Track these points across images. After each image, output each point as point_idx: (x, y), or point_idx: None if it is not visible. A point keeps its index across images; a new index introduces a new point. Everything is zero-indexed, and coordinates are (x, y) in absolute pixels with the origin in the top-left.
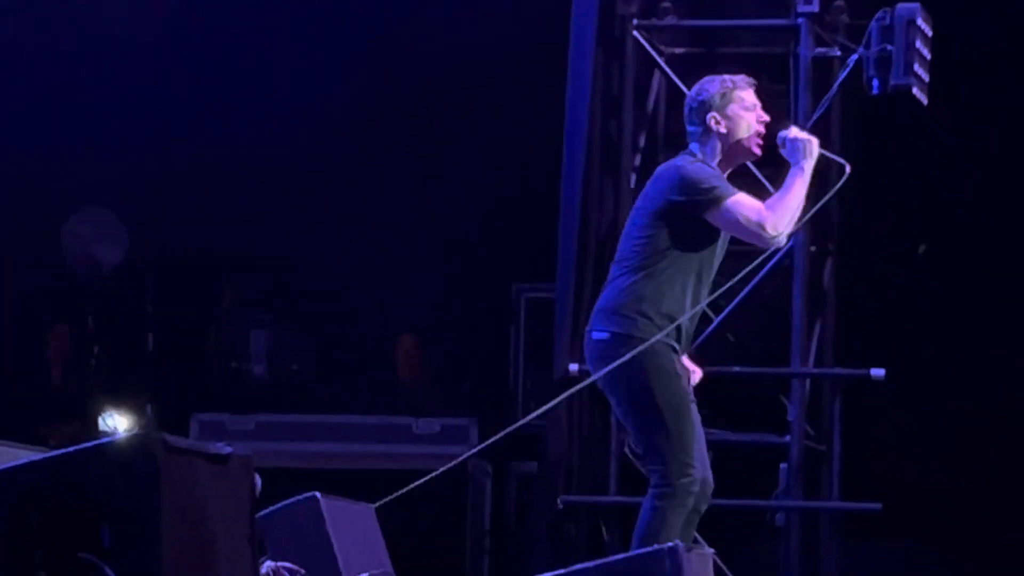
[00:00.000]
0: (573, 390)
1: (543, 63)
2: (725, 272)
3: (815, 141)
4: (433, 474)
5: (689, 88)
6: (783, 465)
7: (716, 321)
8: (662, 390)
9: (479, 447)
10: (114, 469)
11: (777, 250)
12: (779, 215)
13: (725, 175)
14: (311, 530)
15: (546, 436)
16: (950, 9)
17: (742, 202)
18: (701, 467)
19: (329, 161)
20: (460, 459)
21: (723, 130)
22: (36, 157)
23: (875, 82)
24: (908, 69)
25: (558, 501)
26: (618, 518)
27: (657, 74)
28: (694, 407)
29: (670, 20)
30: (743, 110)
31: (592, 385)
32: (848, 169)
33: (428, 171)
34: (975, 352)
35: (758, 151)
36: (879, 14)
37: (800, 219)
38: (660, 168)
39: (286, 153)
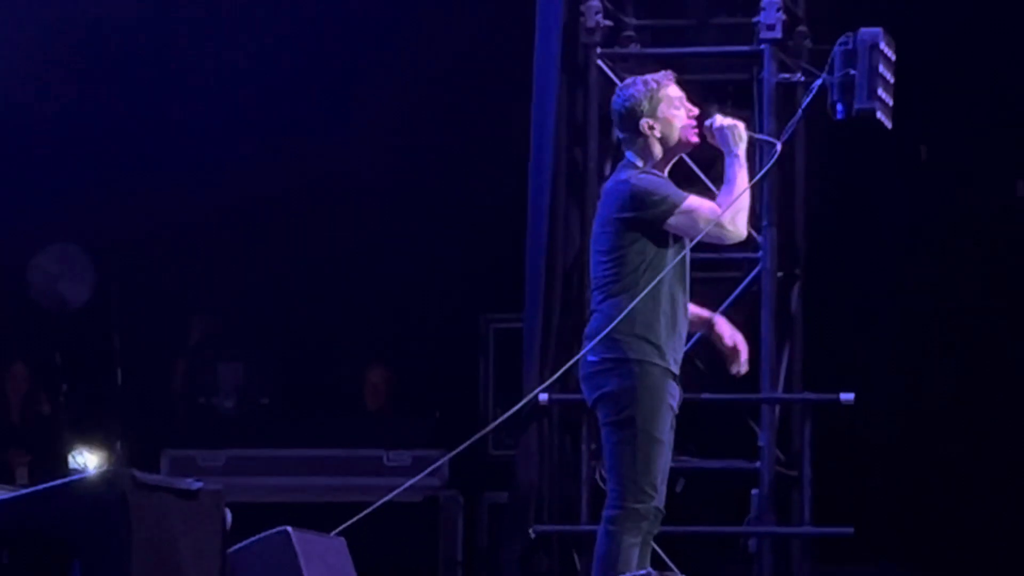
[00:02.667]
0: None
1: (507, 92)
2: (693, 300)
3: (741, 124)
4: (383, 500)
5: None
6: (754, 491)
7: (685, 348)
8: (646, 414)
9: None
10: (84, 506)
11: (746, 274)
12: (733, 208)
13: (667, 171)
14: (283, 564)
15: (516, 465)
16: (914, 33)
17: (695, 205)
18: (660, 496)
19: (295, 193)
20: (406, 485)
21: (658, 134)
22: (0, 194)
23: (839, 107)
24: (872, 93)
25: (530, 531)
26: (590, 546)
27: None
28: (671, 434)
29: (633, 48)
30: (673, 108)
31: (562, 413)
32: (779, 147)
33: (394, 202)
34: (944, 374)
35: (696, 139)
36: (842, 39)
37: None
38: (608, 187)
39: (252, 187)
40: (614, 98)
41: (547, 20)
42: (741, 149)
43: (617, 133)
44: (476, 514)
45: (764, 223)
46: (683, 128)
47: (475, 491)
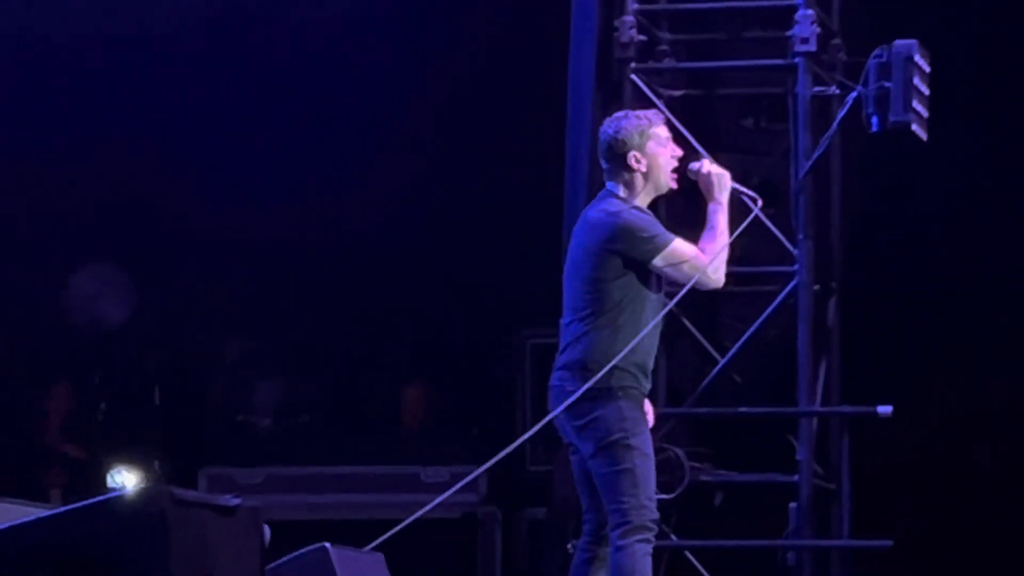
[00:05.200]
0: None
1: (542, 108)
2: (730, 314)
3: (727, 175)
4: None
5: (690, 130)
6: (793, 504)
7: (722, 362)
8: (634, 434)
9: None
10: (123, 523)
11: (782, 288)
12: (715, 256)
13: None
14: None
15: (554, 480)
16: (949, 44)
17: (681, 248)
18: (655, 506)
19: (331, 211)
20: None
21: (643, 168)
22: (39, 214)
23: (874, 119)
24: (907, 106)
25: (568, 546)
26: None
27: None
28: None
29: (668, 63)
30: (660, 147)
31: None
32: (760, 202)
33: (429, 219)
34: (983, 386)
35: (675, 184)
36: (876, 51)
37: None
38: (592, 215)
39: (289, 206)
40: (603, 127)
41: (581, 36)
42: (725, 197)
43: (601, 163)
44: (514, 530)
45: (800, 236)
46: (667, 170)
47: (513, 507)
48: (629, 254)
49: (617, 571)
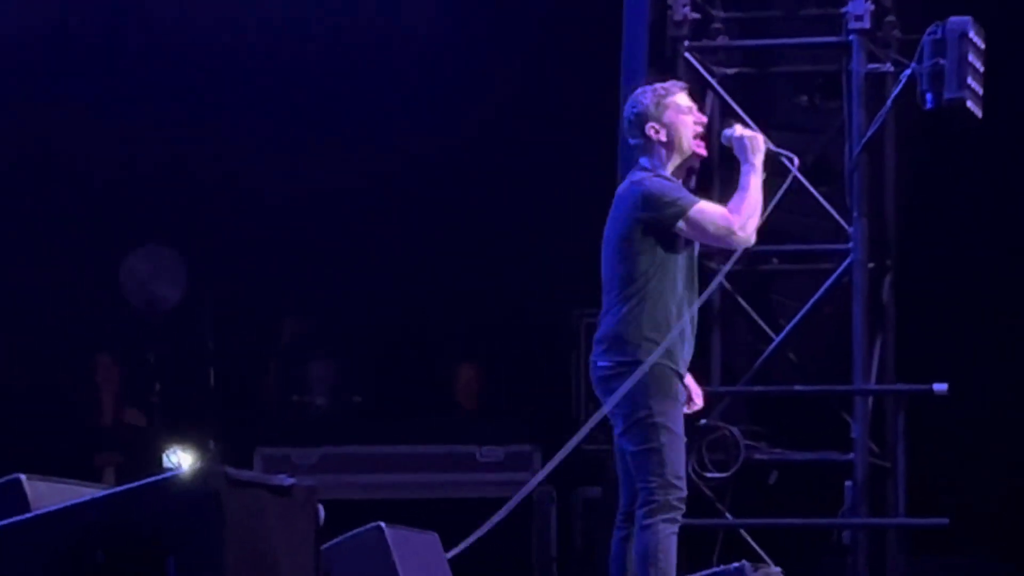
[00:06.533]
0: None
1: (596, 86)
2: (785, 292)
3: (760, 137)
4: (503, 510)
5: (744, 108)
6: (848, 483)
7: (777, 340)
8: (661, 410)
9: (542, 472)
10: (178, 503)
11: (837, 266)
12: (744, 215)
13: (680, 180)
14: (377, 560)
15: (610, 459)
16: (1004, 21)
17: (706, 209)
18: (684, 486)
19: (385, 193)
20: (527, 488)
21: (663, 138)
22: (94, 195)
23: (929, 96)
24: (961, 82)
25: None
26: (684, 539)
27: (710, 94)
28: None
29: (721, 40)
30: (679, 114)
31: None
32: (796, 161)
33: (484, 199)
34: None
35: (703, 151)
36: (931, 28)
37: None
38: (620, 190)
39: (344, 187)
40: (625, 106)
41: (635, 14)
42: (758, 160)
43: (629, 141)
44: (570, 509)
45: (855, 214)
46: (689, 137)
47: (568, 486)
48: (653, 221)
49: (642, 550)
